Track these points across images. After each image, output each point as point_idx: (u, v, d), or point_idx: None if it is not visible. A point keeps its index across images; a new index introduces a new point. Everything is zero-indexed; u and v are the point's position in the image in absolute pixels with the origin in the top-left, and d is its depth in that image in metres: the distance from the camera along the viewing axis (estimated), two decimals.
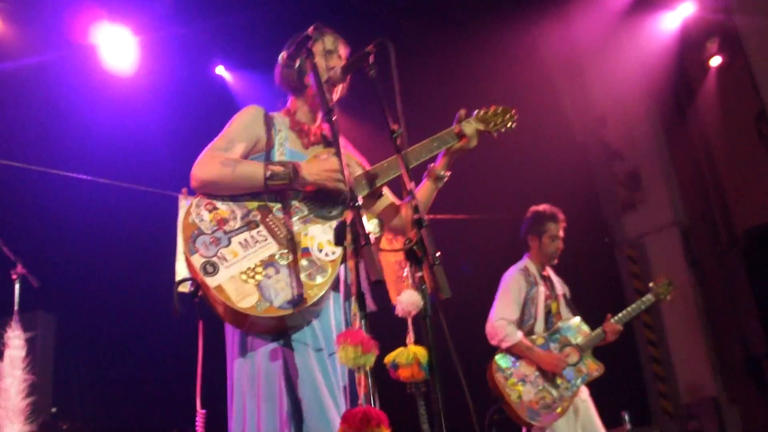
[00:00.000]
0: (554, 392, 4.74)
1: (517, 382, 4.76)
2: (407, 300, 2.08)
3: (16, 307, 4.92)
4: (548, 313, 4.99)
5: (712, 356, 7.87)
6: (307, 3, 6.76)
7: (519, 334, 4.81)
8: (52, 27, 6.20)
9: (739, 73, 7.76)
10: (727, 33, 7.83)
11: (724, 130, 8.08)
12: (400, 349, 2.10)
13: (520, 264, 5.12)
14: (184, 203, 2.65)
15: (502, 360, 4.83)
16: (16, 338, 4.73)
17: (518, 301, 4.94)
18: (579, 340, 4.93)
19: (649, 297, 5.22)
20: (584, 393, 4.88)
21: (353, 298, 2.08)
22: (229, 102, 7.12)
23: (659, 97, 8.36)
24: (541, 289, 4.99)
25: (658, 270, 8.30)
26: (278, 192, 2.61)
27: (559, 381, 4.77)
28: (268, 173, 2.57)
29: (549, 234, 5.06)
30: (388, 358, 2.10)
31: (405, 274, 2.21)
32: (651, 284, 5.33)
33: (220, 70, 7.38)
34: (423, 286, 2.10)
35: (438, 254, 2.08)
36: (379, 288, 2.53)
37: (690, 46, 8.19)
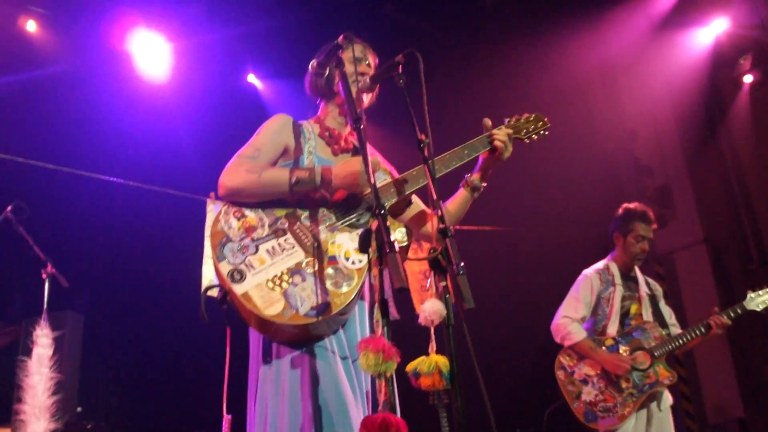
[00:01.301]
0: (617, 396, 4.59)
1: (579, 381, 4.67)
2: (430, 309, 2.09)
3: (45, 306, 4.99)
4: (626, 314, 4.86)
5: (739, 376, 7.74)
6: (339, 12, 6.82)
7: (582, 334, 4.72)
8: (90, 33, 6.32)
9: None
10: (760, 50, 7.74)
11: (756, 148, 7.96)
12: (421, 358, 2.11)
13: (600, 263, 5.01)
14: (212, 207, 2.68)
15: (566, 357, 4.77)
16: (44, 336, 4.80)
17: (587, 301, 4.83)
18: (652, 344, 4.76)
19: (747, 303, 4.93)
20: (665, 402, 4.72)
21: (377, 305, 2.09)
22: (260, 109, 7.19)
23: (690, 113, 8.28)
24: (619, 290, 4.86)
25: (686, 287, 8.21)
26: (304, 197, 2.63)
27: (624, 385, 4.61)
28: (294, 179, 2.59)
29: (635, 234, 4.90)
30: (410, 367, 2.11)
31: (429, 284, 2.22)
32: (749, 292, 5.00)
33: (252, 78, 7.45)
34: (446, 296, 2.10)
35: (462, 264, 2.08)
36: (403, 296, 2.54)
37: (723, 62, 8.10)
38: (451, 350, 2.07)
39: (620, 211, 5.06)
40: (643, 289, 4.99)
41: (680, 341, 4.78)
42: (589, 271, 4.97)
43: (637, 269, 5.05)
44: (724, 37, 8.02)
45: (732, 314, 4.85)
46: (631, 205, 5.05)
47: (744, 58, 7.85)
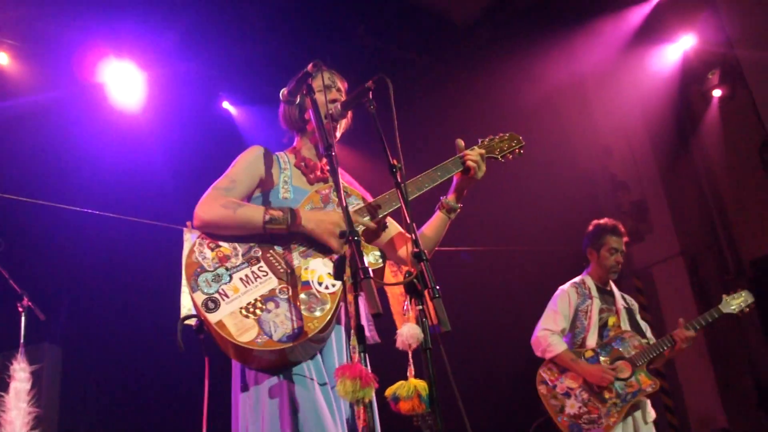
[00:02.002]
0: (601, 407, 4.60)
1: (561, 395, 4.68)
2: (407, 333, 2.09)
3: (22, 340, 4.93)
4: (603, 326, 4.89)
5: (722, 387, 7.79)
6: (311, 38, 6.85)
7: (563, 345, 4.74)
8: (61, 64, 6.30)
9: (741, 104, 7.78)
10: (728, 65, 7.87)
11: (728, 160, 8.08)
12: (400, 383, 2.11)
13: (577, 278, 5.08)
14: (188, 236, 2.70)
15: (547, 372, 4.78)
16: (21, 371, 4.74)
17: (565, 314, 4.87)
18: (632, 353, 4.79)
19: (719, 309, 5.01)
20: (649, 415, 4.74)
21: (353, 332, 2.09)
22: (235, 135, 7.18)
23: (663, 128, 8.40)
24: (596, 302, 4.91)
25: (665, 300, 8.27)
26: (278, 235, 2.64)
27: (607, 395, 4.63)
28: (267, 217, 2.60)
29: (608, 247, 5.01)
30: (389, 391, 2.10)
31: (405, 308, 2.22)
32: (724, 296, 5.09)
33: (226, 105, 7.45)
34: (423, 319, 2.11)
35: (438, 287, 2.09)
36: (385, 319, 2.54)
37: (692, 77, 8.24)
38: (429, 374, 2.07)
39: (591, 227, 5.17)
40: (620, 303, 5.05)
41: (656, 351, 4.84)
42: (565, 286, 5.05)
43: (612, 283, 5.11)
44: (692, 53, 8.16)
45: (709, 319, 4.95)
46: (602, 221, 5.16)
47: (712, 73, 8.00)
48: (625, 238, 5.09)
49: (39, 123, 6.08)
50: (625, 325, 4.95)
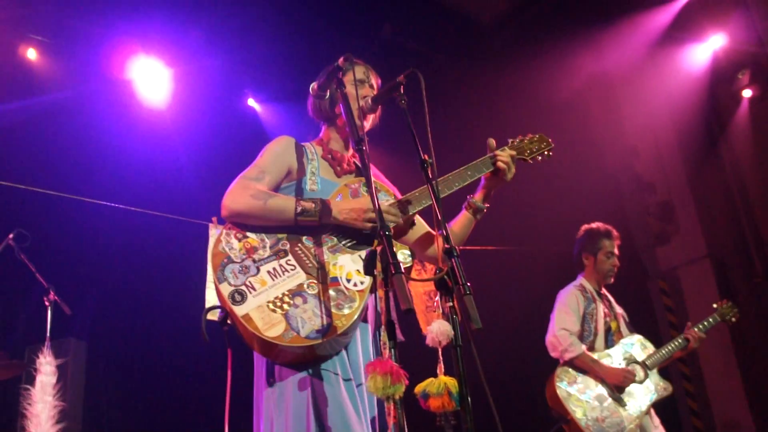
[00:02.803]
0: (621, 411, 4.54)
1: (581, 397, 4.58)
2: (438, 330, 2.06)
3: (48, 334, 4.97)
4: (608, 331, 4.85)
5: (748, 390, 7.69)
6: (337, 36, 6.85)
7: (582, 346, 4.67)
8: (90, 60, 6.34)
9: None
10: (758, 65, 7.77)
11: (757, 161, 7.97)
12: (430, 380, 2.09)
13: (576, 282, 5.03)
14: (214, 232, 2.69)
15: (564, 374, 4.67)
16: (47, 364, 4.77)
17: (578, 314, 4.81)
18: (644, 357, 4.78)
19: (714, 317, 5.04)
20: (656, 419, 4.71)
21: (383, 328, 2.07)
22: (260, 133, 7.20)
23: (691, 129, 8.29)
24: (600, 307, 4.88)
25: (691, 303, 8.17)
26: (308, 227, 2.62)
27: (626, 399, 4.59)
28: (299, 209, 2.58)
29: (604, 251, 4.98)
30: (419, 388, 2.08)
31: (435, 305, 2.20)
32: (714, 305, 5.15)
33: (251, 102, 7.47)
34: (453, 316, 2.09)
35: (469, 284, 2.07)
36: (407, 318, 2.52)
37: (721, 77, 8.13)
38: (460, 371, 2.04)
39: (582, 232, 5.14)
40: (617, 309, 5.04)
41: (666, 352, 4.84)
42: (570, 288, 5.00)
43: (605, 289, 5.07)
44: (721, 53, 8.05)
45: (712, 322, 5.02)
46: (593, 225, 5.14)
47: (742, 73, 7.89)
48: (618, 241, 5.06)
49: (66, 119, 6.12)
50: (625, 331, 4.95)
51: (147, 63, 6.57)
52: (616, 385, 4.60)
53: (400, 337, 2.61)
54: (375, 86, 2.94)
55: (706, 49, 8.06)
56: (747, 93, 7.94)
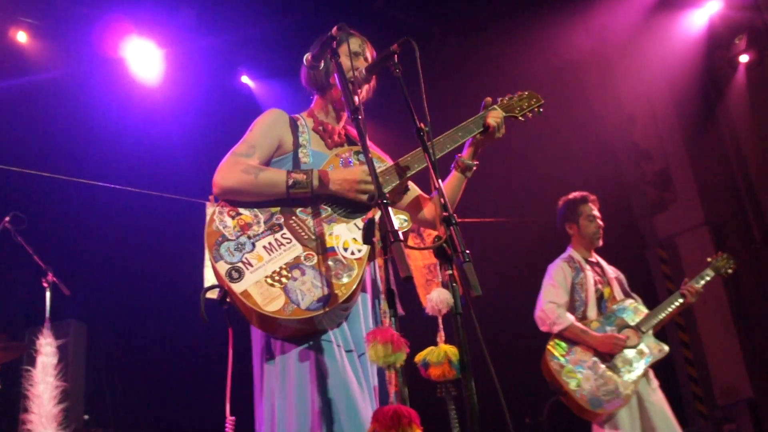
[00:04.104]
0: (616, 377, 4.51)
1: (574, 368, 4.56)
2: (437, 298, 2.06)
3: (47, 315, 4.97)
4: (600, 298, 4.83)
5: (747, 357, 7.73)
6: (330, 11, 6.79)
7: (571, 317, 4.66)
8: (81, 41, 6.30)
9: None
10: (755, 30, 7.72)
11: (755, 127, 7.95)
12: (430, 348, 2.08)
13: (564, 254, 5.03)
14: (211, 210, 2.66)
15: (555, 347, 4.65)
16: (47, 345, 4.79)
17: (565, 287, 4.80)
18: (637, 320, 4.75)
19: (708, 271, 5.01)
20: (654, 382, 4.67)
21: (382, 296, 2.06)
22: (255, 109, 7.15)
23: (688, 95, 8.26)
24: (589, 275, 4.86)
25: (690, 271, 8.18)
26: (301, 199, 2.61)
27: (620, 365, 4.56)
28: (290, 181, 2.56)
29: (585, 216, 4.98)
30: (419, 357, 2.08)
31: (435, 277, 2.19)
32: (709, 259, 5.11)
33: (245, 79, 7.42)
34: (453, 284, 2.08)
35: (468, 252, 2.05)
36: (407, 290, 2.52)
37: (718, 43, 8.09)
38: (460, 339, 2.04)
39: (561, 204, 5.14)
40: (610, 273, 5.01)
41: (662, 314, 4.81)
42: (556, 261, 4.99)
43: (596, 254, 5.06)
44: (717, 19, 8.00)
45: (707, 277, 4.98)
46: (570, 195, 5.13)
47: (739, 39, 7.85)
48: (596, 204, 5.05)
49: (60, 100, 6.09)
50: (620, 295, 4.91)
51: (139, 44, 6.52)
52: (608, 352, 4.58)
53: (400, 310, 2.60)
54: (370, 59, 2.91)
55: (702, 15, 8.01)
56: (744, 58, 7.90)
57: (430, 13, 7.62)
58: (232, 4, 6.73)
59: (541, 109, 3.17)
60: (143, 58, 6.59)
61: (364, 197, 2.53)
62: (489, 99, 3.04)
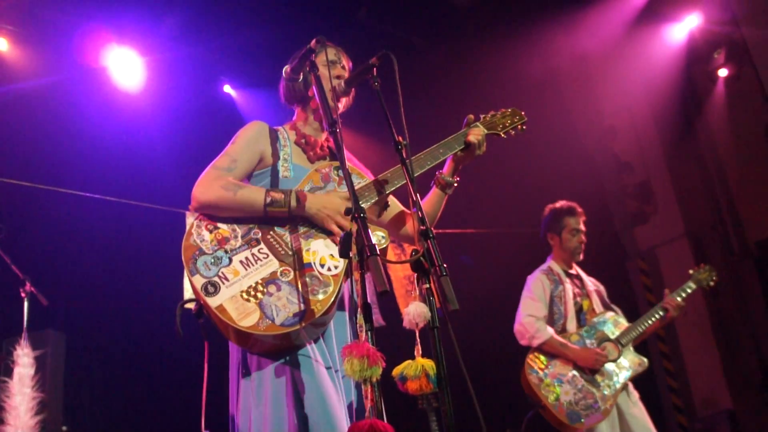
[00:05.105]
0: (596, 391, 4.51)
1: (553, 382, 4.55)
2: (414, 312, 2.05)
3: (25, 325, 4.92)
4: (579, 310, 4.83)
5: (726, 368, 7.78)
6: (313, 21, 6.80)
7: (550, 330, 4.65)
8: (62, 49, 6.25)
9: (747, 84, 7.73)
10: (733, 44, 7.81)
11: (733, 141, 8.04)
12: (407, 362, 2.08)
13: (543, 266, 5.02)
14: (191, 220, 2.64)
15: (535, 360, 4.64)
16: (25, 356, 4.74)
17: (544, 300, 4.79)
18: (617, 334, 4.75)
19: (690, 284, 5.01)
20: (634, 395, 4.67)
21: (359, 310, 2.06)
22: (237, 120, 7.15)
23: (667, 108, 8.34)
24: (568, 287, 4.85)
25: (670, 282, 8.25)
26: (278, 218, 2.59)
27: (599, 379, 4.55)
28: (268, 200, 2.55)
29: (569, 229, 4.96)
30: (396, 371, 2.07)
31: (416, 289, 2.19)
32: (691, 271, 5.11)
33: (227, 89, 7.41)
34: (430, 298, 2.08)
35: (445, 265, 2.06)
36: (387, 303, 2.52)
37: (697, 57, 8.18)
38: (437, 353, 2.04)
39: (546, 212, 5.13)
40: (589, 286, 5.00)
41: (642, 327, 4.80)
42: (535, 273, 4.98)
43: (576, 267, 5.06)
44: (697, 33, 8.09)
45: (688, 290, 4.98)
46: (557, 204, 5.13)
47: (718, 53, 7.94)
48: (583, 218, 5.04)
49: (40, 108, 6.04)
50: (599, 308, 4.91)
51: (121, 52, 6.49)
52: (588, 367, 4.58)
53: (380, 321, 2.60)
54: (347, 68, 2.92)
55: (682, 29, 8.10)
56: (723, 72, 8.00)
57: (412, 25, 7.64)
58: (215, 14, 6.71)
59: (524, 127, 3.19)
60: (125, 67, 6.56)
61: (336, 229, 2.53)
62: (471, 116, 3.05)
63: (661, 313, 4.85)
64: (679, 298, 4.88)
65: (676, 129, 8.45)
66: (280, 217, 2.59)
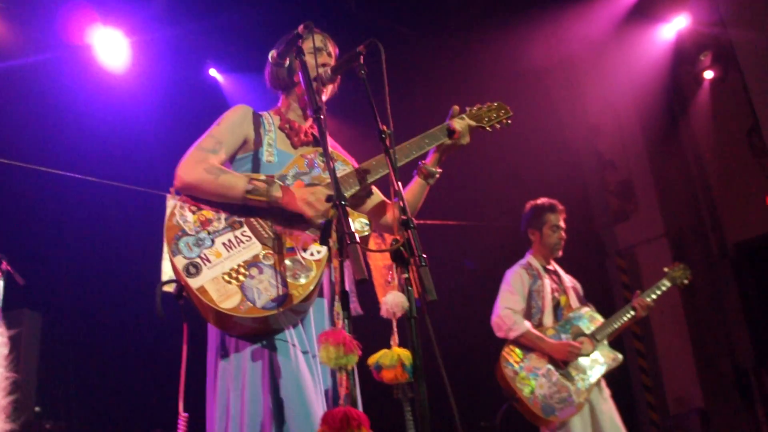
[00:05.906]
0: (570, 385, 4.54)
1: (529, 375, 4.57)
2: (392, 301, 2.05)
3: (0, 305, 4.87)
4: (557, 306, 4.87)
5: (700, 367, 7.86)
6: (301, 6, 6.76)
7: (527, 324, 4.68)
8: (47, 28, 6.17)
9: (732, 87, 7.78)
10: (720, 47, 7.86)
11: (716, 143, 8.10)
12: (383, 351, 2.08)
13: (522, 260, 5.05)
14: (171, 202, 2.62)
15: (511, 353, 4.66)
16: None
17: (522, 293, 4.82)
18: (592, 329, 4.78)
19: (664, 282, 5.06)
20: (606, 391, 4.72)
21: (337, 297, 2.06)
22: (222, 103, 7.10)
23: (652, 109, 8.38)
24: (546, 282, 4.88)
25: (648, 281, 8.30)
26: (257, 206, 2.57)
27: (574, 373, 4.58)
28: (249, 187, 2.53)
29: (549, 225, 4.99)
30: (372, 360, 2.07)
31: (391, 277, 2.19)
32: (666, 269, 5.17)
33: (213, 72, 7.36)
34: (409, 288, 2.08)
35: (425, 256, 2.06)
36: (366, 291, 2.51)
37: (683, 58, 8.23)
38: (413, 343, 2.04)
39: (528, 208, 5.16)
40: (567, 282, 5.05)
41: (616, 324, 4.85)
42: (514, 267, 5.01)
43: (554, 263, 5.10)
44: (684, 34, 8.14)
45: (663, 288, 5.04)
46: (538, 201, 5.15)
47: (704, 55, 7.99)
48: (563, 215, 5.08)
49: (23, 85, 5.96)
50: (576, 304, 4.95)
51: (105, 32, 6.41)
52: (563, 360, 4.61)
53: (358, 309, 2.60)
54: (333, 54, 2.91)
55: (669, 30, 8.14)
56: (708, 74, 8.05)
57: (402, 16, 7.62)
58: None
59: (509, 121, 3.20)
60: (110, 47, 6.49)
61: (318, 221, 2.50)
62: (456, 107, 3.04)
63: (631, 312, 4.90)
64: (648, 299, 4.93)
65: (661, 129, 8.50)
66: (258, 207, 2.57)
